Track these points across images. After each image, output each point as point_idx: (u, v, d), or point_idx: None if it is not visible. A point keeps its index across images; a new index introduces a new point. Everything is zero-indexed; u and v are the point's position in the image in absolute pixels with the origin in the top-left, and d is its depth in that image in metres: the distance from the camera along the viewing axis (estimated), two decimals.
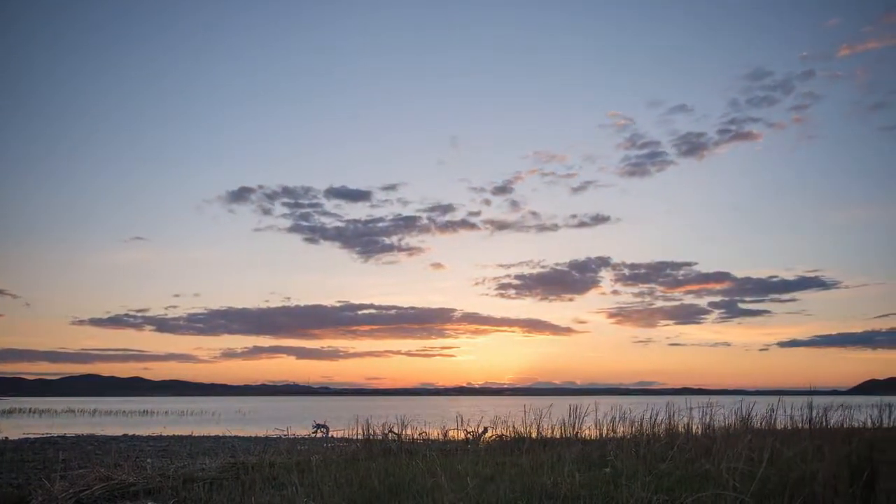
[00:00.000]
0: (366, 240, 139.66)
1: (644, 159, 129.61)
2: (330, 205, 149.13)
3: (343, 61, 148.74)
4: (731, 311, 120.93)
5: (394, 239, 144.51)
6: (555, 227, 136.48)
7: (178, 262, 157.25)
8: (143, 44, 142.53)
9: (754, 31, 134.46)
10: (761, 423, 10.73)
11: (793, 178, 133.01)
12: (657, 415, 11.68)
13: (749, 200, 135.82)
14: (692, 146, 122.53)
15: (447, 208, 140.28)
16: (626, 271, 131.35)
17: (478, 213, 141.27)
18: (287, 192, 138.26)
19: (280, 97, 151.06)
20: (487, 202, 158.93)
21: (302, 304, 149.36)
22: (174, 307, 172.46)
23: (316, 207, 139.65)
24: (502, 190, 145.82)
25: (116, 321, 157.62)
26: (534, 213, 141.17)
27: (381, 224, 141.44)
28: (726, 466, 5.93)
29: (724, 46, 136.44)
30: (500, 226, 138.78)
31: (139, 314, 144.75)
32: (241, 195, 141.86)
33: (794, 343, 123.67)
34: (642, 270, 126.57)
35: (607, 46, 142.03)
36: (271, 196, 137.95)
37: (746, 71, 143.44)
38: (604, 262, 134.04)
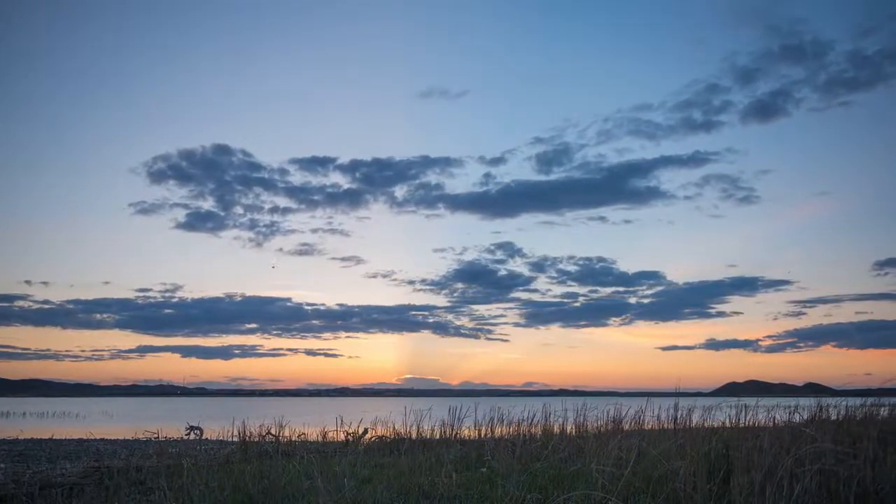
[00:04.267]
0: (275, 223, 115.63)
1: None
2: (236, 180, 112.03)
3: None
4: (642, 313, 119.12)
5: (315, 222, 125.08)
6: (514, 215, 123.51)
7: (43, 244, 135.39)
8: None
9: None
10: (631, 424, 11.23)
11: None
12: (534, 416, 12.01)
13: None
14: None
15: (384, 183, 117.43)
16: (555, 271, 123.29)
17: (438, 188, 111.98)
18: (185, 161, 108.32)
19: (195, 57, 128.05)
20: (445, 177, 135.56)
21: (189, 297, 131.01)
22: (37, 297, 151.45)
23: (223, 180, 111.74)
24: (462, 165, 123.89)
25: None
26: (500, 194, 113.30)
27: (304, 202, 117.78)
28: (596, 466, 6.15)
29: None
30: (459, 207, 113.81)
31: None
32: (125, 164, 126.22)
33: (674, 347, 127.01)
34: (574, 268, 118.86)
35: None
36: (164, 165, 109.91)
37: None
38: (528, 256, 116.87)
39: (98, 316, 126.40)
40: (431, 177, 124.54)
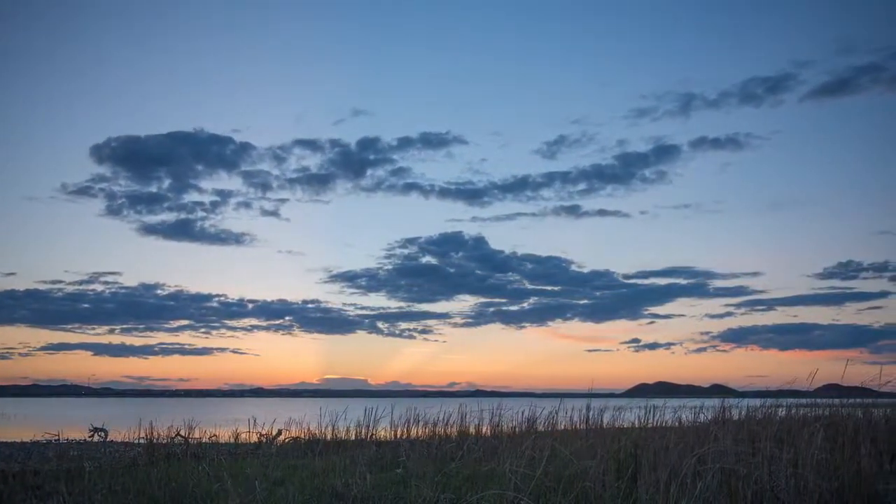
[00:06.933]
0: (216, 207, 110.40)
1: None
2: (200, 162, 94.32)
3: None
4: (579, 315, 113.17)
5: (264, 205, 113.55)
6: (484, 205, 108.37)
7: None
8: None
9: None
10: (544, 425, 11.44)
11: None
12: (451, 416, 12.08)
13: None
14: None
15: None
16: (508, 269, 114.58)
17: (419, 174, 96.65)
18: (144, 143, 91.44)
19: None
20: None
21: (107, 290, 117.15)
22: None
23: (186, 162, 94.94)
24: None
25: None
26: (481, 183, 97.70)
27: (257, 186, 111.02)
28: (510, 466, 6.22)
29: None
30: (432, 195, 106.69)
31: None
32: (45, 146, 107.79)
33: (597, 350, 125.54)
34: (529, 266, 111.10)
35: None
36: (117, 146, 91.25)
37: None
38: (482, 251, 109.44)
39: (2, 310, 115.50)
40: (421, 161, 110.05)
